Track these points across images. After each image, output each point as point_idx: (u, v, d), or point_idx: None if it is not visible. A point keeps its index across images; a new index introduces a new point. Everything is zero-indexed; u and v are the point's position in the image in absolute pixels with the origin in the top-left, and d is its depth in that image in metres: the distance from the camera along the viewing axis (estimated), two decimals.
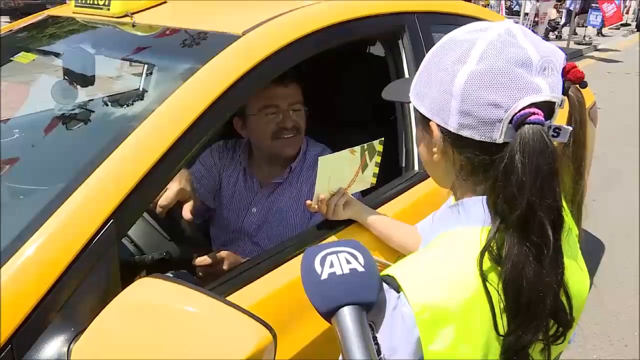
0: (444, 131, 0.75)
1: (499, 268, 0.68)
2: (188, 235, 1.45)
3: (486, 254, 0.69)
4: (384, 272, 0.74)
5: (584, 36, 14.30)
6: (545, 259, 0.67)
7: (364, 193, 1.57)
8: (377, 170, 1.45)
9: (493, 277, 0.69)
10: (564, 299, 0.71)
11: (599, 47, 14.06)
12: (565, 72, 1.28)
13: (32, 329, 0.85)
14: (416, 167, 1.69)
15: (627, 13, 17.40)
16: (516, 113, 0.68)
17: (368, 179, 1.45)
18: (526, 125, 0.67)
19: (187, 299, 0.81)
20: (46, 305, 0.86)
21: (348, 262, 0.68)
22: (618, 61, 11.99)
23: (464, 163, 0.77)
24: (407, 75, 1.71)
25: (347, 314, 0.65)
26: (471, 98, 0.70)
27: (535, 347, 0.71)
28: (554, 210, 0.67)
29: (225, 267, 1.41)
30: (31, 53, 1.54)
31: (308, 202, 1.40)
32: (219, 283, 1.15)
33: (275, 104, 1.61)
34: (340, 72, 2.12)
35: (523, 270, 0.66)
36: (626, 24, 18.31)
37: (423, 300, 0.69)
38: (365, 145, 1.38)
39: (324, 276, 0.67)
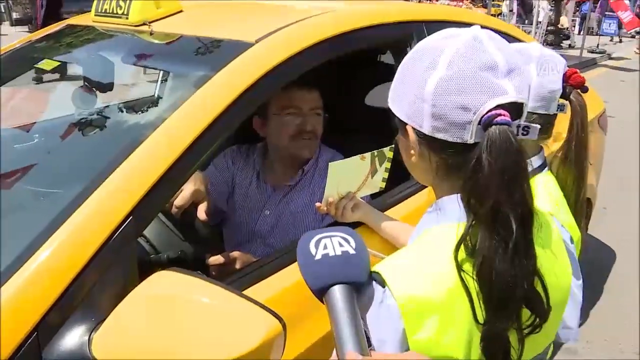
0: (419, 134, 0.79)
1: (474, 260, 0.73)
2: (202, 235, 1.50)
3: (462, 248, 0.73)
4: (372, 269, 0.78)
5: (597, 44, 14.24)
6: (512, 252, 0.70)
7: (373, 196, 1.61)
8: (386, 175, 1.48)
9: (469, 269, 0.73)
10: (540, 289, 0.74)
11: (613, 55, 13.99)
12: (566, 78, 1.32)
13: (55, 319, 0.89)
14: None
15: None
16: (484, 115, 0.72)
17: (377, 183, 1.49)
18: (493, 126, 0.71)
19: (201, 290, 0.85)
20: (69, 296, 0.91)
21: (341, 245, 0.72)
22: (632, 70, 11.93)
23: (439, 164, 0.81)
24: None
25: (337, 292, 0.69)
26: (441, 102, 0.75)
27: (513, 335, 0.74)
28: (522, 206, 0.71)
29: (237, 266, 1.45)
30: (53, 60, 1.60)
31: (317, 204, 1.45)
32: (229, 281, 1.19)
33: (297, 105, 1.66)
34: (350, 79, 2.17)
35: (492, 262, 0.70)
36: None
37: (406, 293, 0.73)
38: (375, 151, 1.42)
39: (318, 257, 0.71)
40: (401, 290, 0.74)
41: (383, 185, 1.50)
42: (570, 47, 13.82)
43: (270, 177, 1.81)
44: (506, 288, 0.70)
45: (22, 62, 1.80)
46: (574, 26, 15.03)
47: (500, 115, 0.71)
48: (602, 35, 14.49)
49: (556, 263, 0.84)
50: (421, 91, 0.77)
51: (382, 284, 0.75)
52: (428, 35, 1.83)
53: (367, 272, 0.73)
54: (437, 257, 0.76)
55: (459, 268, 0.73)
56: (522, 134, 0.75)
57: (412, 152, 0.83)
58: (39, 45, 1.88)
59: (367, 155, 1.41)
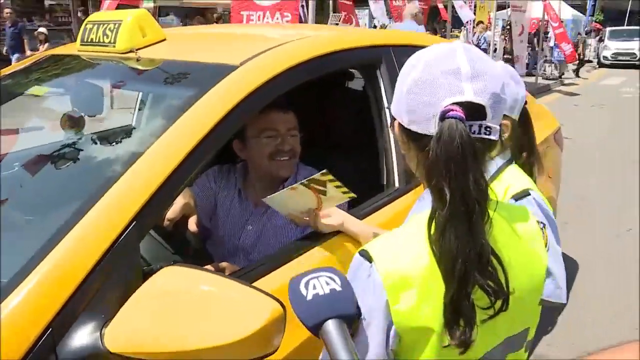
0: (402, 127, 0.93)
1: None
2: (192, 247, 1.57)
3: (434, 227, 0.84)
4: (361, 248, 0.90)
5: (551, 71, 15.01)
6: (457, 228, 0.81)
7: (350, 206, 1.70)
8: (344, 188, 1.45)
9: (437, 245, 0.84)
10: (498, 267, 0.84)
11: (565, 81, 14.74)
12: None
13: (69, 316, 0.96)
14: (397, 184, 1.85)
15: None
16: (442, 110, 0.84)
17: (338, 195, 1.47)
18: (445, 120, 0.83)
19: (206, 281, 0.94)
20: (81, 294, 0.97)
21: (327, 283, 0.83)
22: (577, 94, 12.66)
23: (418, 153, 0.92)
24: (385, 103, 1.89)
25: (330, 326, 0.79)
26: (413, 99, 0.88)
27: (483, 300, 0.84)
28: (464, 190, 0.81)
29: None
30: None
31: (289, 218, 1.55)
32: None
33: (274, 127, 1.76)
34: (324, 102, 2.30)
35: (444, 238, 0.82)
36: (589, 61, 19.24)
37: (389, 268, 0.85)
38: (305, 180, 1.42)
39: (309, 297, 0.82)
40: (384, 266, 0.85)
41: (352, 195, 1.48)
42: (529, 75, 14.40)
43: (252, 194, 1.89)
44: (454, 261, 0.81)
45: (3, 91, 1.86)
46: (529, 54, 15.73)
47: (452, 110, 0.82)
48: (556, 62, 15.23)
49: (526, 253, 0.94)
50: (401, 89, 0.91)
51: (369, 260, 0.86)
52: (395, 58, 1.99)
53: (355, 305, 0.84)
54: (417, 238, 0.87)
55: (431, 244, 0.84)
56: (485, 134, 0.86)
57: (401, 143, 0.96)
58: (21, 76, 1.94)
59: (296, 185, 1.44)
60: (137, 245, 1.08)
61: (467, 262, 0.81)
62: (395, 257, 0.86)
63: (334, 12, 10.99)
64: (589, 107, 11.09)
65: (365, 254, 0.87)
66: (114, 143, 1.54)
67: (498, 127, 0.88)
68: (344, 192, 1.46)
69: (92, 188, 1.11)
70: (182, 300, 0.92)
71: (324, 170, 1.41)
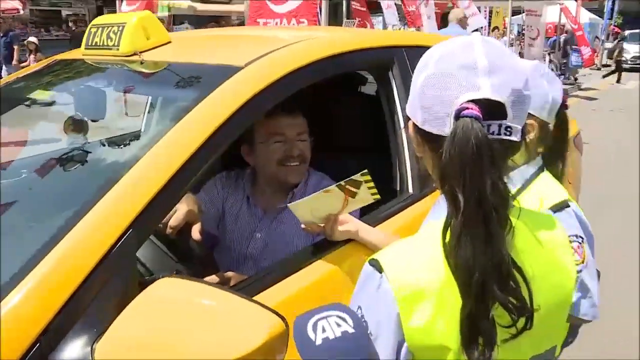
0: (416, 127, 0.86)
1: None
2: (196, 255, 1.51)
3: (449, 236, 0.76)
4: (371, 257, 0.83)
5: (568, 75, 14.85)
6: (474, 238, 0.73)
7: (363, 212, 1.63)
8: (374, 190, 1.42)
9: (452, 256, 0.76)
10: (520, 281, 0.76)
11: (582, 86, 14.57)
12: None
13: (58, 329, 0.90)
14: (410, 190, 1.77)
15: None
16: (457, 108, 0.76)
17: (366, 197, 1.43)
18: (460, 119, 0.75)
19: (203, 293, 0.87)
20: (71, 307, 0.92)
21: (338, 325, 0.75)
22: (596, 99, 12.47)
23: (433, 156, 0.85)
24: (397, 104, 1.82)
25: None
26: (427, 96, 0.81)
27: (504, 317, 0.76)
28: (481, 194, 0.73)
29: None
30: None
31: (302, 226, 1.48)
32: None
33: (283, 132, 1.70)
34: (335, 105, 2.24)
35: (459, 248, 0.74)
36: (606, 65, 19.02)
37: (401, 279, 0.78)
38: (342, 182, 1.38)
39: (319, 342, 0.74)
40: (396, 277, 0.78)
41: (377, 197, 1.44)
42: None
43: (261, 200, 1.84)
44: (470, 271, 0.73)
45: (8, 98, 1.83)
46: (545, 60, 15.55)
47: (467, 108, 0.75)
48: (572, 67, 15.03)
49: (552, 264, 0.86)
50: (415, 86, 0.85)
51: (380, 270, 0.79)
52: (408, 59, 1.92)
53: (369, 348, 0.76)
54: (432, 247, 0.80)
55: (446, 254, 0.76)
56: (505, 134, 0.78)
57: (415, 144, 0.89)
58: (26, 82, 1.91)
59: (332, 187, 1.38)
60: (135, 254, 1.02)
61: (485, 274, 0.73)
62: (408, 267, 0.79)
63: (347, 18, 10.96)
64: (607, 111, 10.91)
65: (376, 264, 0.81)
66: (113, 146, 1.49)
67: (520, 128, 0.80)
68: (373, 194, 1.41)
69: (88, 193, 1.06)
70: (179, 314, 0.86)
71: (364, 171, 1.36)
